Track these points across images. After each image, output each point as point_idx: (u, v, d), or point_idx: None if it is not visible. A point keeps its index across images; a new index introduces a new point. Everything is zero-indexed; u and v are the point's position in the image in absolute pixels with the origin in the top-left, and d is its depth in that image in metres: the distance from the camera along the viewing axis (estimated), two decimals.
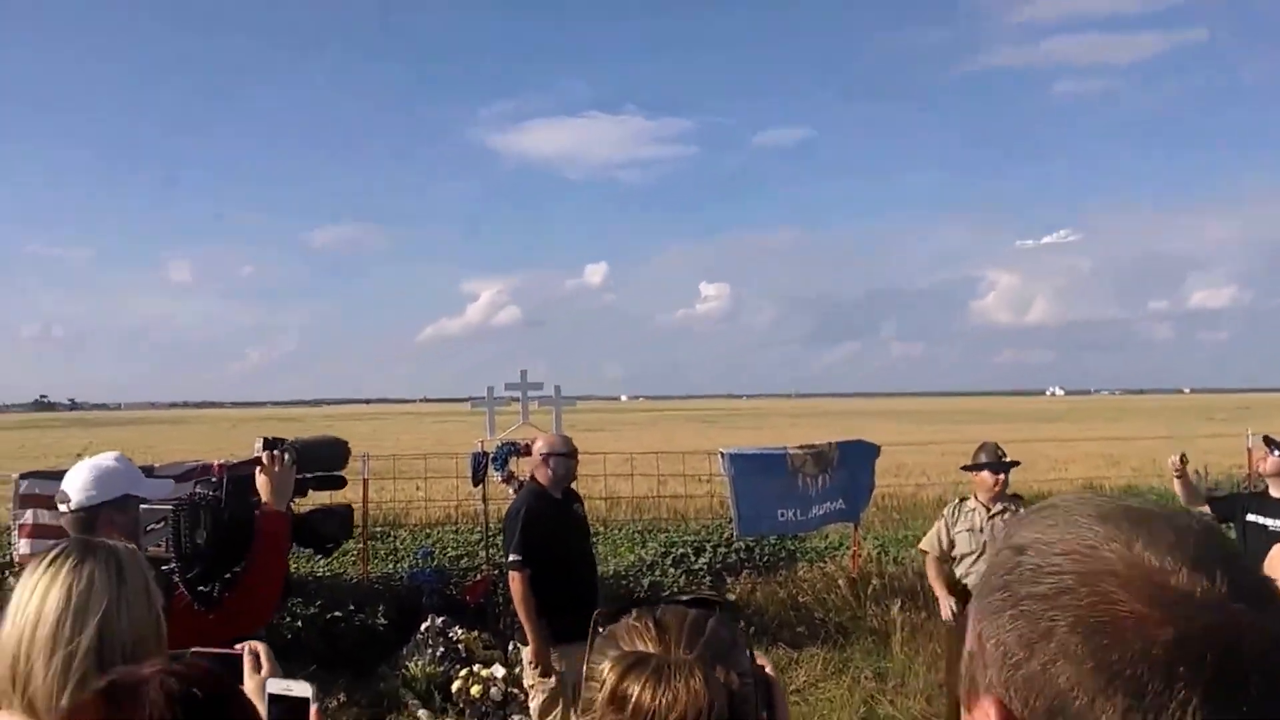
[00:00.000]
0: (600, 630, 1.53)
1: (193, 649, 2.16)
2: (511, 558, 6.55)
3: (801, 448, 10.74)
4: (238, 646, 2.32)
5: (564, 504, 6.84)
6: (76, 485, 3.55)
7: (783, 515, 10.33)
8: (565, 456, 6.84)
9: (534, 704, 6.72)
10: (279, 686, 1.91)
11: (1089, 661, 0.91)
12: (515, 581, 6.50)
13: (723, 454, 10.55)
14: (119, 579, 2.10)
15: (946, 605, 7.35)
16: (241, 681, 2.09)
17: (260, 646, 2.35)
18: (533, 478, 6.95)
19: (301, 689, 1.91)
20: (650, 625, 1.46)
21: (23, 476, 9.10)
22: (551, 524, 6.65)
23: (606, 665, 1.42)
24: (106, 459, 3.69)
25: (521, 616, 6.51)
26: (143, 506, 3.47)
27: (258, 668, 2.14)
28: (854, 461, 10.89)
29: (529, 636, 6.49)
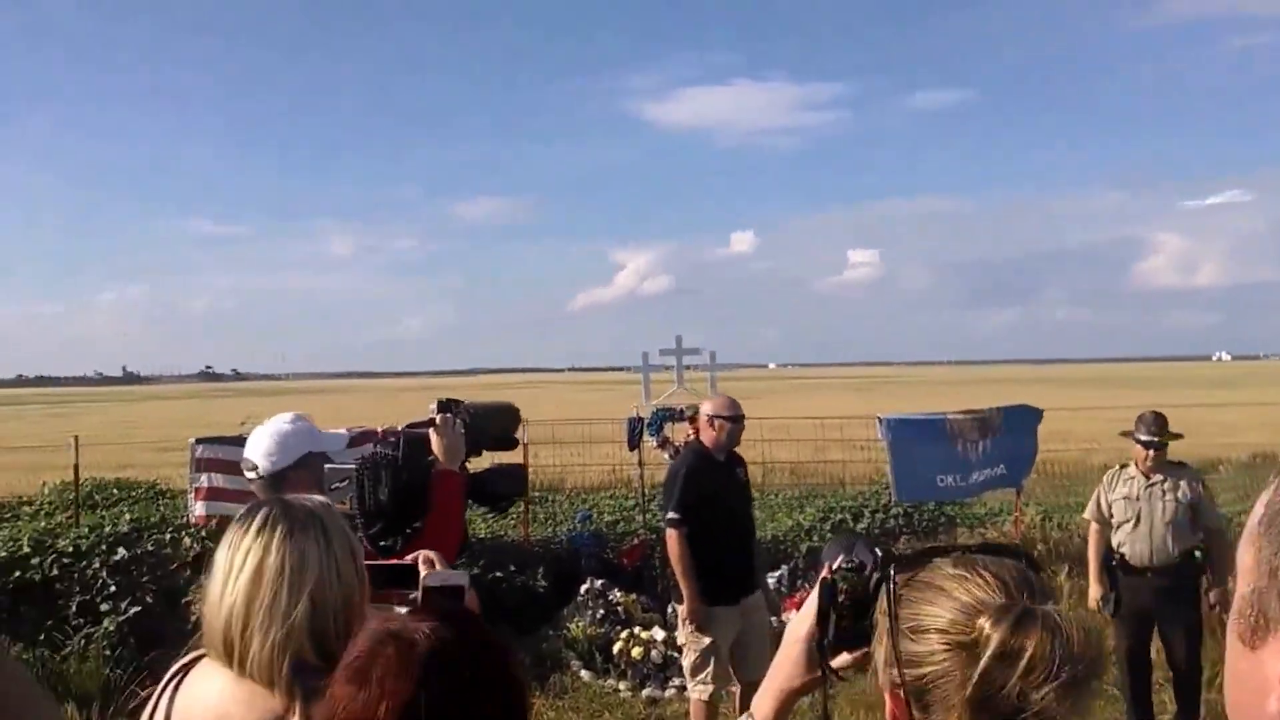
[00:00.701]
0: (894, 581, 1.44)
1: (365, 562, 2.21)
2: (669, 515, 6.59)
3: (962, 413, 10.57)
4: (409, 556, 2.37)
5: (726, 467, 6.81)
6: (260, 452, 3.63)
7: (942, 481, 10.20)
8: (731, 420, 6.79)
9: (686, 661, 6.75)
10: (436, 579, 1.95)
11: None
12: (672, 539, 6.54)
13: (881, 420, 10.45)
14: (326, 542, 2.12)
15: (1094, 594, 7.35)
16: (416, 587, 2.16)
17: (433, 554, 2.40)
18: (697, 438, 6.96)
19: (458, 578, 1.92)
20: (987, 576, 1.39)
21: (198, 441, 9.46)
22: (712, 485, 6.65)
23: (985, 621, 1.32)
24: (284, 421, 3.76)
25: (677, 573, 6.55)
26: (327, 466, 3.57)
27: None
28: (1016, 427, 10.67)
29: (684, 593, 6.53)
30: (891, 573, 1.42)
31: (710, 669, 6.58)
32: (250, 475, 3.67)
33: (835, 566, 1.69)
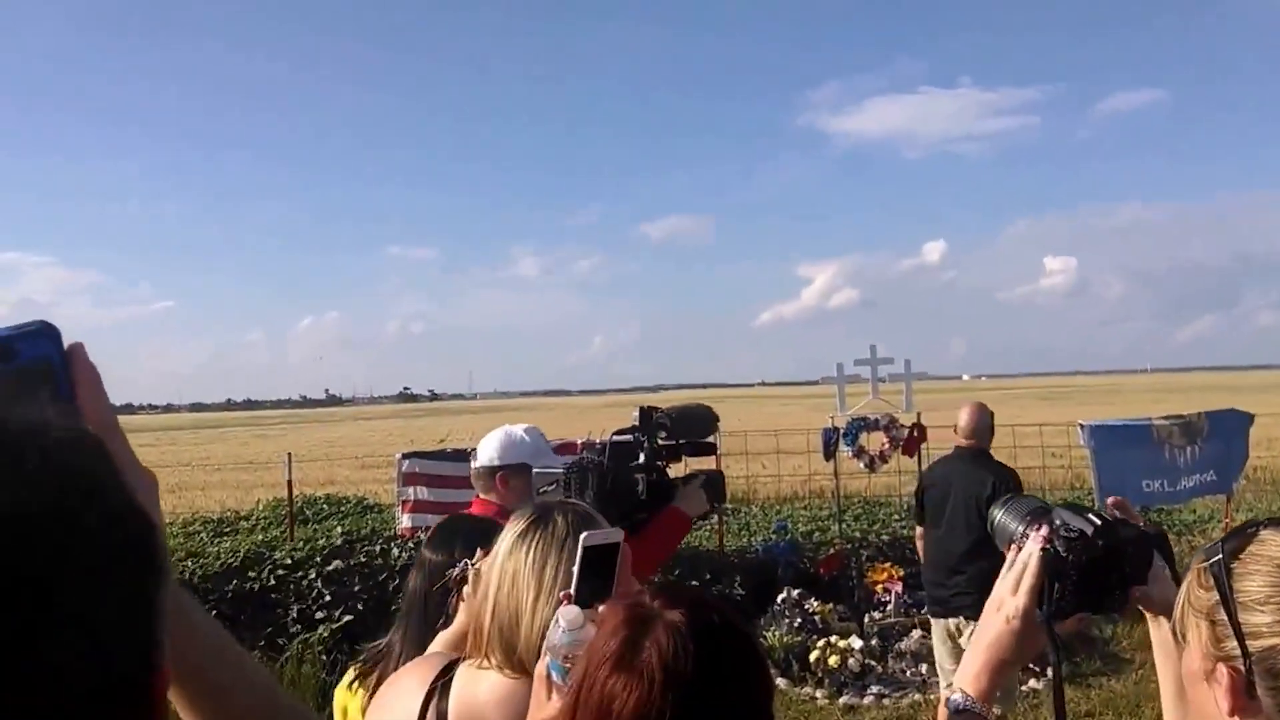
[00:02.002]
0: (1222, 554, 1.42)
1: None
2: None
3: (1167, 418, 10.29)
4: None
5: None
6: (484, 445, 4.03)
7: (1148, 487, 9.91)
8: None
9: None
10: (596, 538, 1.87)
11: None
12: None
13: (1082, 426, 10.21)
14: None
15: None
16: None
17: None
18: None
19: (615, 535, 1.90)
20: None
21: (404, 456, 9.79)
22: None
23: None
24: (517, 429, 4.10)
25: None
26: (535, 471, 3.76)
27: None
28: (1225, 432, 10.33)
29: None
30: (1222, 548, 1.42)
31: None
32: (473, 464, 4.07)
33: (1047, 536, 1.72)
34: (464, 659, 2.13)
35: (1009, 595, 1.73)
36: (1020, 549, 1.77)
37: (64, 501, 0.69)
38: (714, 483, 3.97)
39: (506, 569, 2.04)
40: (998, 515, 1.92)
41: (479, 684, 2.04)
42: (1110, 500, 1.88)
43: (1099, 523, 1.71)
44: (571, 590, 1.80)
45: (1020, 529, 1.82)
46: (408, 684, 2.14)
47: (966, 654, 1.78)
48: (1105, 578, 1.72)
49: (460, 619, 2.41)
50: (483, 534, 2.67)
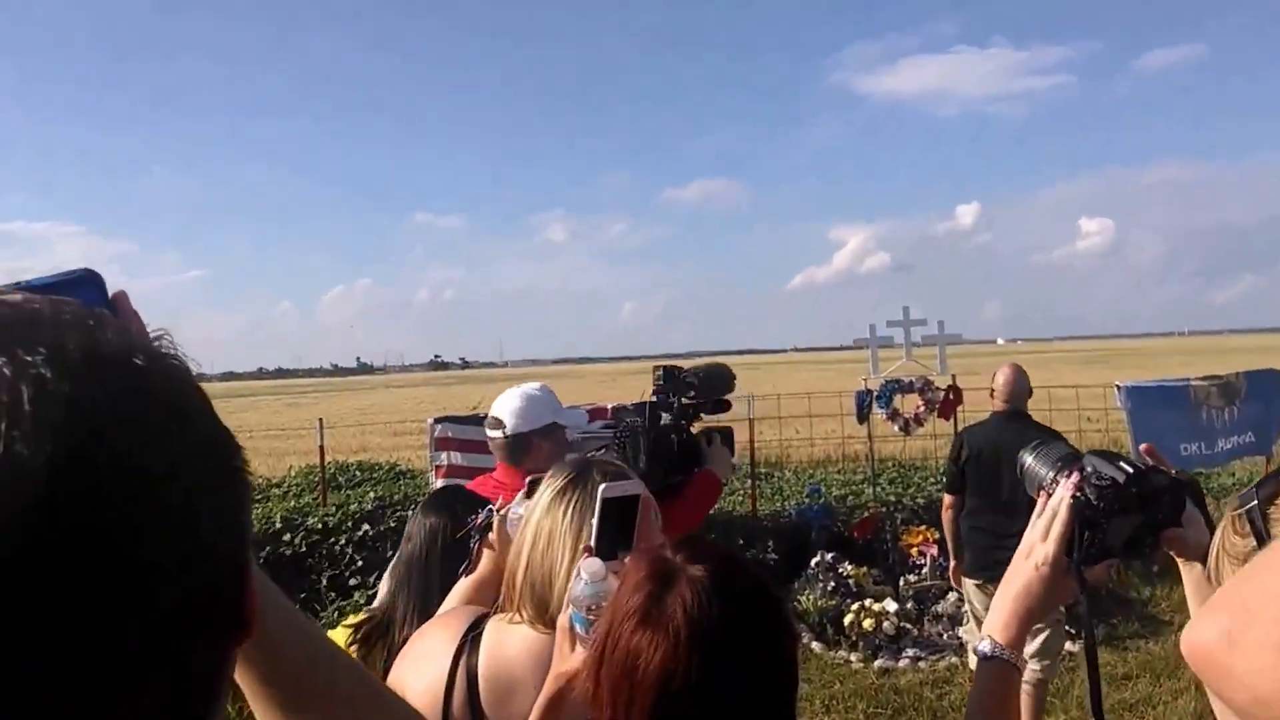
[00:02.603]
0: (1258, 500, 1.39)
1: None
2: None
3: (1205, 379, 10.19)
4: None
5: None
6: (508, 412, 3.81)
7: (1185, 450, 9.80)
8: None
9: None
10: (615, 490, 1.85)
11: None
12: None
13: (1119, 388, 10.12)
14: None
15: None
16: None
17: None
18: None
19: (634, 486, 1.88)
20: None
21: (436, 421, 9.79)
22: None
23: None
24: (532, 388, 3.95)
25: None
26: (582, 435, 3.75)
27: None
28: (1264, 392, 10.21)
29: None
30: (1256, 494, 1.41)
31: None
32: (494, 434, 3.83)
33: (1078, 483, 1.70)
34: (493, 613, 2.11)
35: (1039, 542, 1.71)
36: (1050, 496, 1.76)
37: (159, 424, 0.67)
38: (728, 439, 4.00)
39: (543, 526, 2.01)
40: (1027, 460, 1.90)
41: (510, 639, 2.02)
42: (1142, 447, 1.88)
43: (1131, 471, 1.70)
44: (592, 542, 1.79)
45: (1050, 475, 1.81)
46: (437, 639, 2.12)
47: (995, 602, 1.75)
48: (1137, 525, 1.72)
49: (484, 565, 2.39)
50: (474, 506, 2.67)
